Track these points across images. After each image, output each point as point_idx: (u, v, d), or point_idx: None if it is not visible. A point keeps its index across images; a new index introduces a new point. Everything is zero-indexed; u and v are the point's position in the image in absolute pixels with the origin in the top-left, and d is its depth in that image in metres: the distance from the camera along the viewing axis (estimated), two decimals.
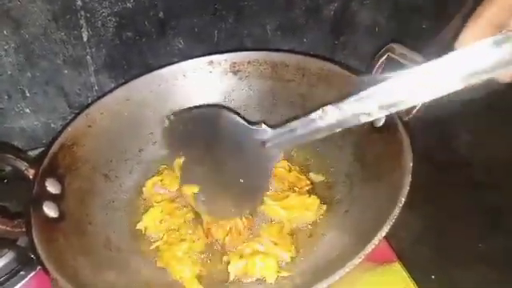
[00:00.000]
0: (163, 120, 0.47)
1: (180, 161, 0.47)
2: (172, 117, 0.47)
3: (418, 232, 0.58)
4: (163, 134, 0.49)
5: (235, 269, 0.41)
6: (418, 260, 0.54)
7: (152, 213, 0.46)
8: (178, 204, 0.48)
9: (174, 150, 0.47)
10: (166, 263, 0.42)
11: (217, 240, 0.44)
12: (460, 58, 0.26)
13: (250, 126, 0.41)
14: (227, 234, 0.43)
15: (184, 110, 0.50)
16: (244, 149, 0.41)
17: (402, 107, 0.29)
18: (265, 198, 0.47)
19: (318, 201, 0.46)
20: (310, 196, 0.46)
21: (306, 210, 0.45)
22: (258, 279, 0.40)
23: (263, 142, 0.39)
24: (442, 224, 0.58)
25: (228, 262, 0.41)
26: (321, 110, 0.33)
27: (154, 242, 0.44)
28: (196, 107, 0.50)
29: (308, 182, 0.48)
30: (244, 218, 0.44)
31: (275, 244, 0.42)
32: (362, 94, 0.30)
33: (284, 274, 0.40)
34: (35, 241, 0.34)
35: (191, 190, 0.45)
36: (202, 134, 0.44)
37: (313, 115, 0.34)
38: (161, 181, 0.49)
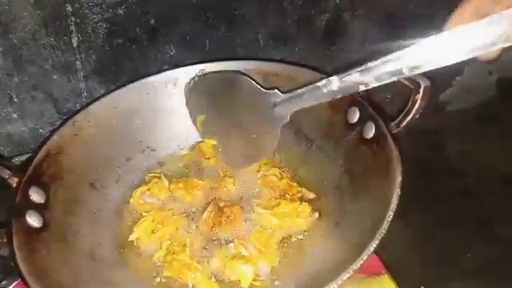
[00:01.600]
0: (190, 79, 0.52)
1: (202, 118, 0.52)
2: (196, 78, 0.52)
3: (408, 242, 0.58)
4: (187, 93, 0.53)
5: (216, 264, 0.42)
6: (408, 271, 0.54)
7: (143, 223, 0.46)
8: (168, 212, 0.47)
9: (196, 109, 0.53)
10: (178, 272, 0.42)
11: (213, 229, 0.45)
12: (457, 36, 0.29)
13: (263, 90, 0.46)
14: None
15: (206, 73, 0.53)
16: (258, 108, 0.46)
17: (396, 78, 0.33)
18: (256, 207, 0.47)
19: (309, 208, 0.46)
20: (301, 203, 0.46)
21: (297, 217, 0.46)
22: (231, 281, 0.41)
23: (274, 104, 0.45)
24: (431, 234, 0.58)
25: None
26: (326, 79, 0.38)
27: (144, 252, 0.44)
28: (216, 72, 0.53)
29: (299, 189, 0.48)
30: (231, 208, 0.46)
31: (259, 251, 0.43)
32: (361, 67, 0.35)
33: (257, 283, 0.41)
34: (16, 251, 0.33)
35: (211, 142, 0.53)
36: (221, 95, 0.50)
37: (318, 83, 0.39)
38: (148, 190, 0.49)
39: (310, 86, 0.40)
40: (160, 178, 0.50)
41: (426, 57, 0.31)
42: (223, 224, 0.45)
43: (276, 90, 0.45)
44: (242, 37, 0.60)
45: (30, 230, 0.37)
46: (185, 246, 0.44)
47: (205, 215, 0.46)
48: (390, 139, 0.40)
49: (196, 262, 0.42)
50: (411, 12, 0.65)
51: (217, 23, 0.57)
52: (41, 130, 0.57)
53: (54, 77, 0.54)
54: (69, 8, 0.49)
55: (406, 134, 0.42)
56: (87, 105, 0.49)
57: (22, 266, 0.32)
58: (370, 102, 0.44)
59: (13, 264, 0.33)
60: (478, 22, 0.27)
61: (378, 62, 0.34)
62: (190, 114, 0.53)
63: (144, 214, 0.47)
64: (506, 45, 0.26)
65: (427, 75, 0.39)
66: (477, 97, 0.75)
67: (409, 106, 0.39)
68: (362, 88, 0.35)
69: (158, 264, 0.43)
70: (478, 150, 0.68)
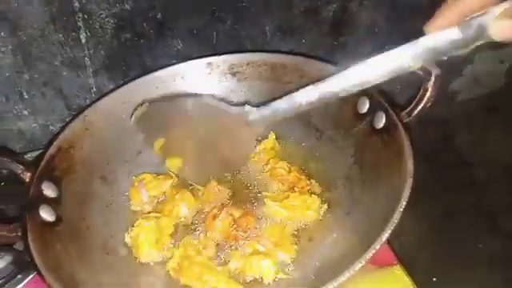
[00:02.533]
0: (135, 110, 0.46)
1: (161, 141, 0.46)
2: (146, 105, 0.46)
3: (420, 233, 0.57)
4: (137, 120, 0.46)
5: (234, 267, 0.41)
6: (420, 262, 0.54)
7: (147, 237, 0.43)
8: (169, 217, 0.46)
9: (151, 133, 0.47)
10: (197, 277, 0.40)
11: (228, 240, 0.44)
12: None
13: (231, 108, 0.43)
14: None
15: (159, 98, 0.50)
16: (227, 126, 0.43)
17: (369, 85, 0.33)
18: (265, 200, 0.47)
19: (318, 200, 0.46)
20: (310, 195, 0.46)
21: (307, 209, 0.45)
22: (255, 279, 0.40)
23: (247, 121, 0.41)
24: (443, 225, 0.58)
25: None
26: (301, 90, 0.37)
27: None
28: (171, 96, 0.50)
29: (308, 182, 0.48)
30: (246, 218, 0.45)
31: (276, 245, 0.42)
32: (338, 75, 0.35)
33: (282, 276, 0.40)
34: (31, 246, 0.34)
35: (175, 163, 0.47)
36: (181, 118, 0.45)
37: (294, 94, 0.37)
38: (149, 181, 0.48)
39: (285, 98, 0.38)
40: (170, 178, 0.49)
41: (404, 62, 0.31)
42: (239, 238, 0.44)
43: (246, 106, 0.41)
44: (248, 29, 0.59)
45: (44, 224, 0.38)
46: (199, 249, 0.43)
47: (218, 224, 0.44)
48: (401, 128, 0.39)
49: (213, 264, 0.42)
50: (418, 0, 0.64)
51: (223, 16, 0.57)
52: (51, 127, 0.58)
53: (64, 73, 0.54)
54: (76, 4, 0.50)
55: (415, 124, 0.42)
56: (97, 100, 0.49)
57: (38, 260, 0.33)
58: (380, 91, 0.44)
59: (29, 258, 0.33)
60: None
61: (353, 70, 0.34)
62: (145, 139, 0.48)
63: (143, 221, 0.44)
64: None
65: (438, 64, 0.38)
66: (487, 86, 0.74)
67: (420, 94, 0.39)
68: (342, 95, 0.35)
69: (172, 273, 0.41)
70: (489, 141, 0.68)
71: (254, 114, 0.41)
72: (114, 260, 0.41)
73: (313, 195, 0.46)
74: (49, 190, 0.40)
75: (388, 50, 0.33)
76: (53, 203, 0.40)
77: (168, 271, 0.42)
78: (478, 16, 0.26)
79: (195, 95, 0.48)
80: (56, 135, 0.44)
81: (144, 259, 0.42)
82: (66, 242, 0.38)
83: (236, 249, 0.43)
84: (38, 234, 0.36)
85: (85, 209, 0.43)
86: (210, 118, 0.43)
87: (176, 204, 0.47)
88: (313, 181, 0.49)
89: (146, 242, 0.43)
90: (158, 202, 0.48)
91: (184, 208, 0.47)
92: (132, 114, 0.46)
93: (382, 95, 0.43)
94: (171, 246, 0.44)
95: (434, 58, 0.30)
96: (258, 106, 0.41)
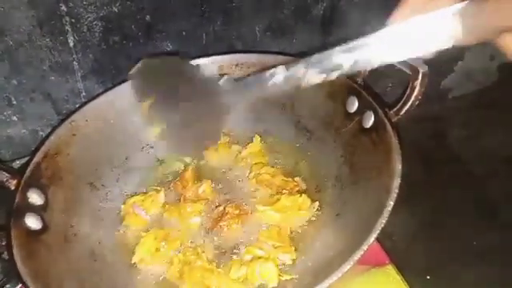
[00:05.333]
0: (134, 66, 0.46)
1: (147, 102, 0.44)
2: (141, 63, 0.46)
3: (413, 231, 0.57)
4: (132, 77, 0.46)
5: (236, 276, 0.40)
6: (413, 261, 0.53)
7: (146, 243, 0.44)
8: (166, 228, 0.46)
9: (142, 93, 0.46)
10: (199, 280, 0.40)
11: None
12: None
13: (214, 77, 0.43)
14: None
15: (152, 59, 0.49)
16: (207, 95, 0.43)
17: (342, 72, 0.33)
18: (257, 206, 0.46)
19: (309, 199, 0.45)
20: (300, 196, 0.46)
21: (299, 209, 0.45)
22: (260, 285, 0.40)
23: (225, 90, 0.42)
24: (435, 222, 0.58)
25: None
26: (272, 69, 0.37)
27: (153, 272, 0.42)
28: (163, 58, 0.50)
29: (296, 183, 0.48)
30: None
31: (275, 247, 0.42)
32: (310, 59, 0.34)
33: (286, 277, 0.40)
34: (15, 255, 0.33)
35: (156, 131, 0.44)
36: (169, 81, 0.45)
37: (266, 73, 0.37)
38: (142, 201, 0.48)
39: (258, 74, 0.38)
40: (158, 192, 0.49)
41: (371, 53, 0.31)
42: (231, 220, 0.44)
43: (226, 76, 0.42)
44: (238, 29, 0.59)
45: (30, 233, 0.37)
46: (198, 253, 0.43)
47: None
48: (389, 127, 0.39)
49: (214, 266, 0.41)
50: None
51: (213, 17, 0.57)
52: (41, 132, 0.57)
53: (52, 78, 0.54)
54: (63, 8, 0.49)
55: (408, 121, 0.42)
56: (84, 104, 0.49)
57: (22, 270, 0.32)
58: (369, 90, 0.43)
59: (12, 268, 0.33)
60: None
61: (324, 54, 0.33)
62: (136, 97, 0.46)
63: (142, 233, 0.45)
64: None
65: (428, 61, 0.38)
66: (478, 82, 0.74)
67: (407, 93, 0.39)
68: (308, 83, 0.35)
69: (172, 281, 0.41)
70: (482, 137, 0.68)
71: (229, 83, 0.41)
72: (103, 267, 0.40)
73: (303, 195, 0.46)
74: (35, 198, 0.39)
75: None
76: (39, 211, 0.39)
77: (163, 278, 0.41)
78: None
79: (183, 60, 0.48)
80: (42, 142, 0.43)
81: (141, 265, 0.42)
82: (52, 250, 0.37)
83: (233, 257, 0.43)
84: (23, 242, 0.35)
85: (72, 215, 0.42)
86: (195, 84, 0.44)
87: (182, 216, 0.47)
88: (298, 178, 0.48)
89: (147, 249, 0.43)
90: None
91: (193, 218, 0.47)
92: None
93: (371, 94, 0.43)
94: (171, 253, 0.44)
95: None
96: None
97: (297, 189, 0.47)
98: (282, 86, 0.36)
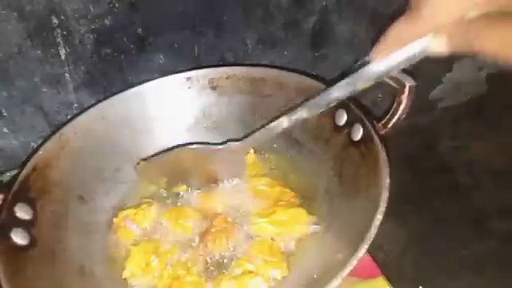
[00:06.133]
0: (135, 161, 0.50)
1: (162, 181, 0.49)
2: (141, 162, 0.49)
3: (404, 242, 0.57)
4: (138, 174, 0.50)
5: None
6: (405, 271, 0.54)
7: (135, 257, 0.43)
8: (157, 242, 0.46)
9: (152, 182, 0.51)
10: None
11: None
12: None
13: (215, 147, 0.48)
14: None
15: (152, 156, 0.51)
16: (217, 161, 0.48)
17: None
18: (251, 217, 0.46)
19: (305, 212, 0.45)
20: (297, 208, 0.46)
21: (296, 222, 0.45)
22: None
23: (232, 152, 0.47)
24: (426, 233, 0.58)
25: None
26: (276, 120, 0.42)
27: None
28: (161, 152, 0.51)
29: (293, 194, 0.48)
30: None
31: (266, 262, 0.42)
32: (308, 103, 0.40)
33: None
34: (0, 272, 0.33)
35: (180, 189, 0.50)
36: (175, 165, 0.49)
37: (271, 124, 0.43)
38: (134, 215, 0.47)
39: (264, 128, 0.44)
40: (150, 206, 0.48)
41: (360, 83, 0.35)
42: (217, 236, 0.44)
43: (229, 143, 0.47)
44: (230, 42, 0.59)
45: (16, 249, 0.36)
46: (189, 268, 0.42)
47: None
48: (377, 140, 0.39)
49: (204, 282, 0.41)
50: (397, 12, 0.65)
51: (204, 30, 0.57)
52: (32, 144, 0.57)
53: (44, 90, 0.54)
54: (55, 20, 0.49)
55: (397, 132, 0.42)
56: (74, 117, 0.49)
57: (7, 287, 0.32)
58: (357, 103, 0.44)
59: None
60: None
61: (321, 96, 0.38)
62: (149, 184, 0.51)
63: (132, 247, 0.45)
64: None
65: (416, 72, 0.39)
66: (467, 93, 0.75)
67: (394, 106, 0.39)
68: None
69: None
70: (471, 147, 0.68)
71: (237, 145, 0.46)
72: (92, 282, 0.40)
73: (299, 208, 0.46)
74: (23, 212, 0.39)
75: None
76: (27, 225, 0.39)
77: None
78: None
79: (181, 147, 0.49)
80: (31, 155, 0.43)
81: (131, 280, 0.42)
82: (40, 266, 0.37)
83: (223, 269, 0.42)
84: (9, 258, 0.35)
85: (61, 230, 0.42)
86: (201, 158, 0.48)
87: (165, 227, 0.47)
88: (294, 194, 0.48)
89: (137, 264, 0.43)
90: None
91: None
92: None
93: (360, 107, 0.44)
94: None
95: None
96: (239, 139, 0.47)
97: (293, 200, 0.47)
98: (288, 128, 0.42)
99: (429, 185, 0.63)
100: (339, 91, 0.36)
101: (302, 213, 0.45)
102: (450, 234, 0.58)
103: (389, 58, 0.31)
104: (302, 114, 0.40)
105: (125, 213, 0.48)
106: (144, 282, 0.42)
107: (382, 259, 0.47)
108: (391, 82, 0.39)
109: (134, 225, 0.47)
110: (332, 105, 0.38)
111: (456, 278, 0.53)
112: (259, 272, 0.41)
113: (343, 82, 0.35)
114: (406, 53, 0.30)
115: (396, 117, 0.39)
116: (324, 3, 0.61)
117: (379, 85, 0.35)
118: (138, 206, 0.49)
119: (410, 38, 0.29)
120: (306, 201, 0.47)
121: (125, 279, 0.42)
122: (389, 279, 0.45)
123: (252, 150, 0.52)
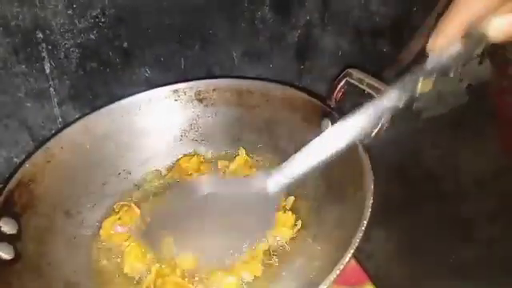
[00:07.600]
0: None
1: (170, 240, 0.43)
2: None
3: (391, 249, 0.58)
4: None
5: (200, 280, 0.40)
6: (394, 278, 0.54)
7: (132, 251, 0.43)
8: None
9: (158, 234, 0.44)
10: None
11: None
12: None
13: (247, 179, 0.44)
14: None
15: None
16: (244, 200, 0.42)
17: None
18: None
19: (293, 216, 0.45)
20: (284, 212, 0.46)
21: (282, 226, 0.45)
22: None
23: (263, 188, 0.41)
24: (413, 240, 0.59)
25: None
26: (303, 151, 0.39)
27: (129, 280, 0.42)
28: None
29: (283, 198, 0.47)
30: None
31: (244, 262, 0.41)
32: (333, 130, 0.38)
33: None
34: None
35: (190, 264, 0.42)
36: (186, 211, 0.44)
37: (297, 156, 0.39)
38: (119, 219, 0.47)
39: (292, 161, 0.40)
40: (130, 206, 0.48)
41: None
42: None
43: (260, 173, 0.43)
44: (216, 55, 0.60)
45: (1, 263, 0.36)
46: (174, 265, 0.42)
47: None
48: (361, 149, 0.40)
49: (189, 283, 0.41)
50: (377, 25, 0.67)
51: (190, 43, 0.58)
52: (15, 159, 0.56)
53: (28, 104, 0.53)
54: (40, 35, 0.49)
55: (383, 141, 0.43)
56: (59, 130, 0.48)
57: None
58: (342, 113, 0.45)
59: None
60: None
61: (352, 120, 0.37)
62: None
63: (124, 243, 0.44)
64: None
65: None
66: (450, 103, 0.77)
67: None
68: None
69: None
70: (455, 155, 0.70)
71: (270, 178, 0.41)
72: None
73: (287, 212, 0.46)
74: (7, 227, 0.38)
75: None
76: (11, 240, 0.38)
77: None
78: (475, 26, 0.28)
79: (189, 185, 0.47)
80: (16, 169, 0.43)
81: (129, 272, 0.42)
82: (25, 281, 0.36)
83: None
84: None
85: (46, 244, 0.41)
86: (221, 199, 0.43)
87: None
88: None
89: (135, 256, 0.42)
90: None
91: None
92: None
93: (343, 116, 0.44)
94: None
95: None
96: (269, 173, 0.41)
97: (283, 204, 0.47)
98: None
99: (415, 193, 0.64)
100: (405, 87, 0.35)
101: (289, 216, 0.45)
102: (436, 241, 0.58)
103: (448, 49, 0.30)
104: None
105: (109, 221, 0.47)
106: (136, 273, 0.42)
107: (370, 267, 0.47)
108: (372, 92, 0.40)
109: (124, 228, 0.46)
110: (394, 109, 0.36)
111: (442, 283, 0.53)
112: (234, 270, 0.41)
113: (406, 78, 0.34)
114: (465, 42, 0.29)
115: (378, 127, 0.40)
116: (308, 17, 0.62)
117: (362, 95, 0.35)
118: (117, 212, 0.48)
119: (470, 21, 0.28)
120: (294, 209, 0.47)
121: None
122: (376, 286, 0.45)
123: (244, 150, 0.52)
